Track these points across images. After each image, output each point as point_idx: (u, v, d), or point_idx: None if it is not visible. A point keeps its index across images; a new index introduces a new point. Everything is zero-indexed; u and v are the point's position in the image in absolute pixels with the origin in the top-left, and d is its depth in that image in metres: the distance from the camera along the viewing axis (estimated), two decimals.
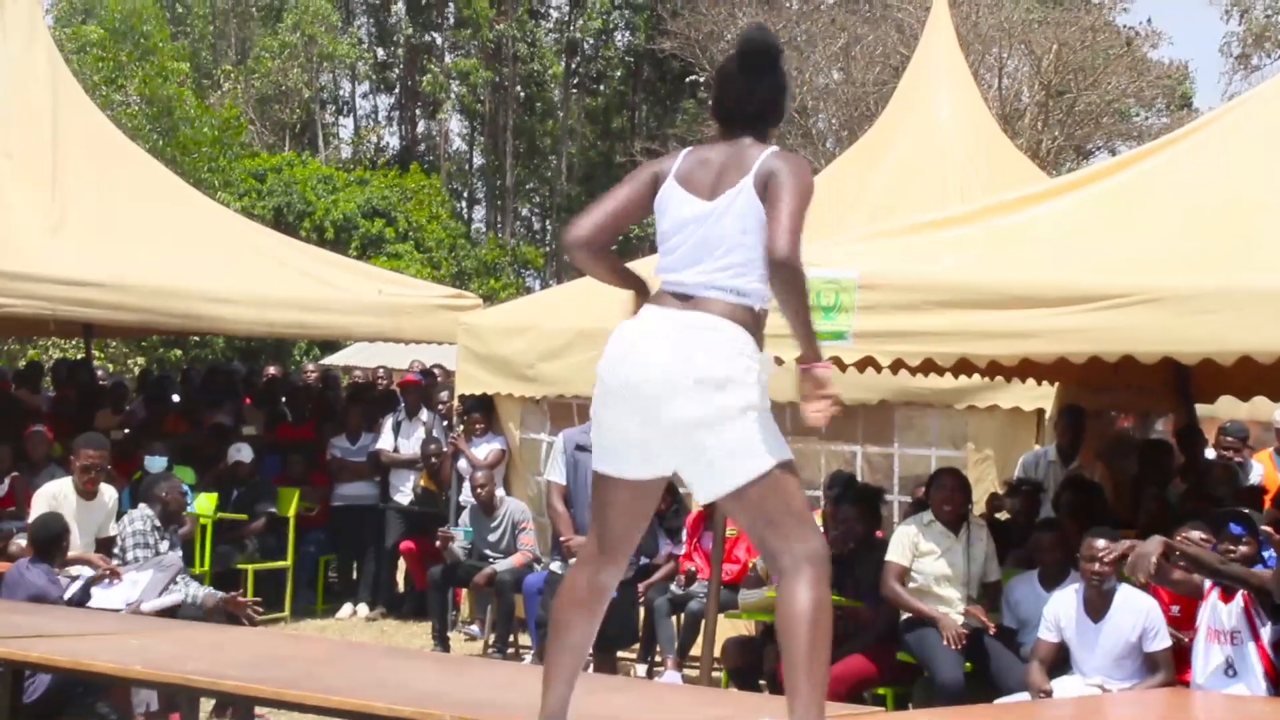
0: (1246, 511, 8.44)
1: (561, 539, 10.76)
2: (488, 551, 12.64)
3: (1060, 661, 8.63)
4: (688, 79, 41.57)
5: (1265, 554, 8.20)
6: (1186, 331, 7.59)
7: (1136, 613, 8.43)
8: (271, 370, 20.71)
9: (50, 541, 9.97)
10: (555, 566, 11.02)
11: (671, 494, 11.33)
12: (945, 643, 9.13)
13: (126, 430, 15.16)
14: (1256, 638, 7.97)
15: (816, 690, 4.76)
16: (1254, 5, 44.23)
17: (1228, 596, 8.06)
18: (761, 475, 4.84)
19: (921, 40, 16.36)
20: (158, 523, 10.60)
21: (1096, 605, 8.51)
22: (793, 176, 4.88)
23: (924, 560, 9.46)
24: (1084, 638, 8.52)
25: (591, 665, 10.82)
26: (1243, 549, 8.10)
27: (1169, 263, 7.94)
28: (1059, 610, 8.67)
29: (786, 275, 4.79)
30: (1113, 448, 12.06)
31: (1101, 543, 8.49)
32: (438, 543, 13.13)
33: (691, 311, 4.86)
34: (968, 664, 9.21)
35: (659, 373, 4.82)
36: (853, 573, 9.86)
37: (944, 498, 9.56)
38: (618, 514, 5.02)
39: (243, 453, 14.74)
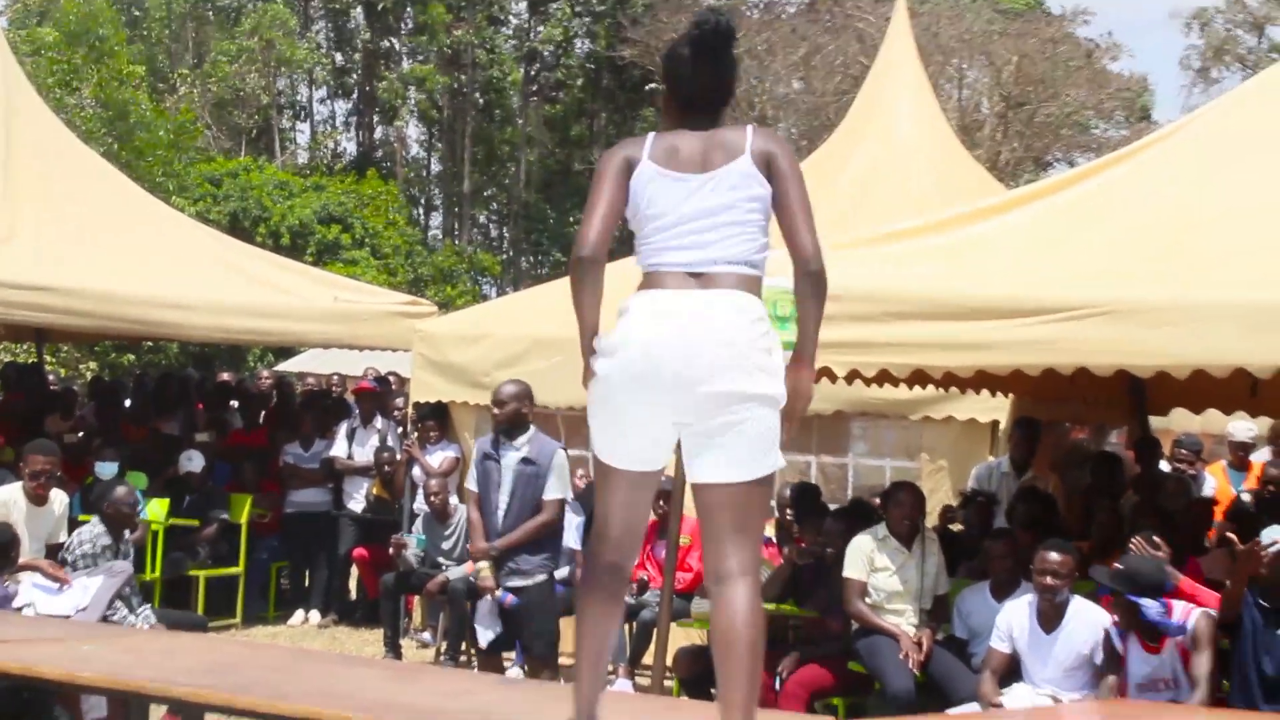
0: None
1: (470, 547, 10.89)
2: (441, 559, 12.64)
3: (1011, 671, 8.67)
4: (647, 87, 41.67)
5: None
6: (1141, 344, 7.64)
7: (1090, 625, 8.48)
8: (224, 376, 20.67)
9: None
10: (453, 574, 11.19)
11: None
12: (903, 658, 9.17)
13: (80, 435, 15.09)
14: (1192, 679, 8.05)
15: (755, 692, 4.78)
16: (1214, 19, 44.58)
17: (1152, 646, 8.09)
18: (764, 476, 4.86)
19: (881, 50, 16.44)
20: (107, 540, 10.53)
21: (1049, 616, 8.56)
22: (793, 167, 4.89)
23: (879, 575, 9.48)
24: (1036, 648, 8.56)
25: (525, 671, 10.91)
26: None
27: (1125, 275, 7.99)
28: (1012, 620, 8.72)
29: (818, 285, 4.85)
30: (1066, 460, 12.14)
31: (1055, 555, 8.54)
32: (391, 550, 13.13)
33: (714, 290, 4.79)
34: (919, 674, 9.25)
35: (699, 353, 4.72)
36: (825, 585, 9.88)
37: (902, 513, 9.58)
38: (621, 506, 4.96)
39: (194, 461, 14.70)
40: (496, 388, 10.68)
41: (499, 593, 10.43)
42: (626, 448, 4.89)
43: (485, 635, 10.84)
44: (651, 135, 4.99)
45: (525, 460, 10.38)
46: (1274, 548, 8.11)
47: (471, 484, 10.78)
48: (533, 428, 10.58)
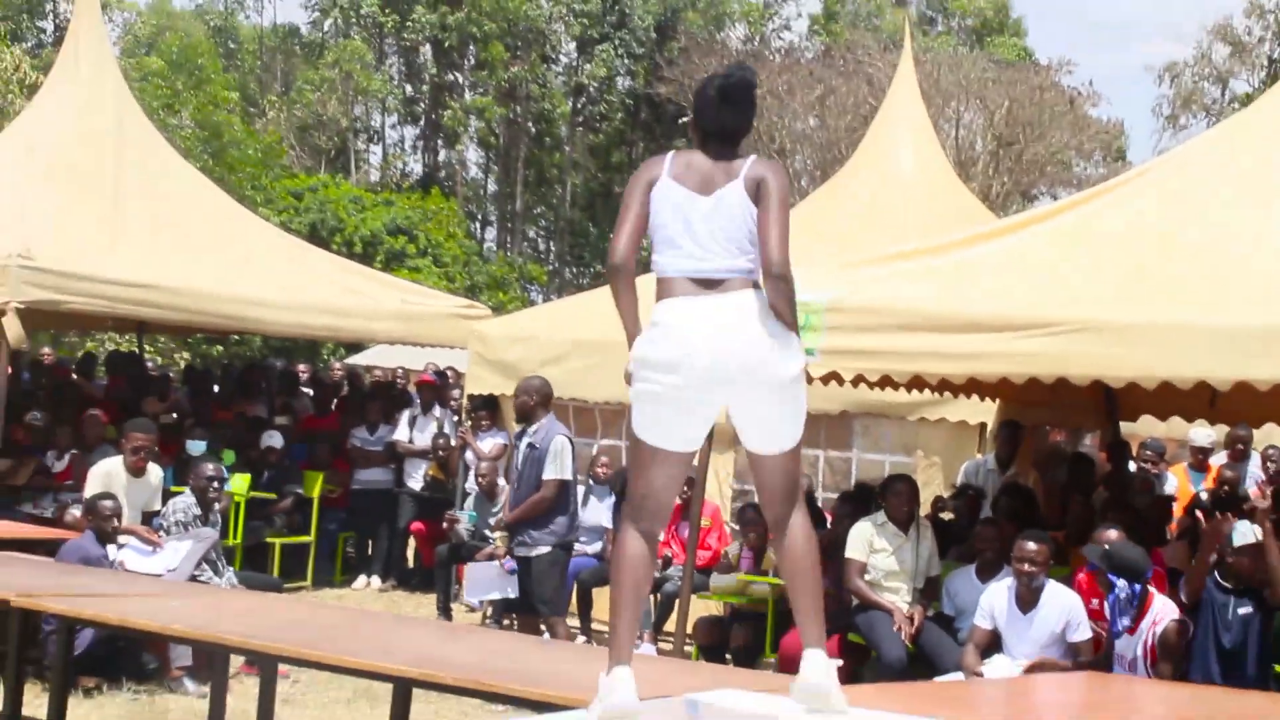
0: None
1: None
2: (488, 533, 12.62)
3: (992, 645, 8.65)
4: (680, 120, 41.60)
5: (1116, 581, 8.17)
6: (1115, 359, 7.63)
7: (1062, 607, 8.46)
8: (301, 367, 20.71)
9: (104, 518, 9.99)
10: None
11: None
12: (896, 630, 9.16)
13: (174, 416, 15.15)
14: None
15: (820, 598, 5.07)
16: (1183, 72, 44.44)
17: (1130, 630, 8.06)
18: (798, 442, 5.04)
19: (888, 93, 16.43)
20: (197, 510, 10.58)
21: (1026, 599, 8.54)
22: (779, 188, 4.95)
23: (877, 556, 9.47)
24: (1014, 627, 8.54)
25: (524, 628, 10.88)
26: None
27: (1101, 297, 7.98)
28: (993, 601, 8.70)
29: (782, 287, 4.88)
30: (1046, 459, 12.09)
31: (1032, 545, 8.53)
32: (445, 525, 13.15)
33: (734, 293, 4.90)
34: (910, 646, 9.24)
35: (752, 346, 4.84)
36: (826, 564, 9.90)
37: (899, 502, 9.58)
38: (665, 481, 5.01)
39: (274, 439, 14.75)
40: (522, 381, 10.69)
41: (505, 560, 10.48)
42: (685, 435, 4.98)
43: (484, 595, 10.98)
44: (672, 154, 5.07)
45: (531, 445, 10.32)
46: (1235, 531, 8.13)
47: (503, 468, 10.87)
48: (549, 417, 10.50)
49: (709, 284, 4.89)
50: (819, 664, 4.90)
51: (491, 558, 10.85)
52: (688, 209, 4.93)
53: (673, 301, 4.92)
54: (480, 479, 12.90)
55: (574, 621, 11.97)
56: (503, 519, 10.63)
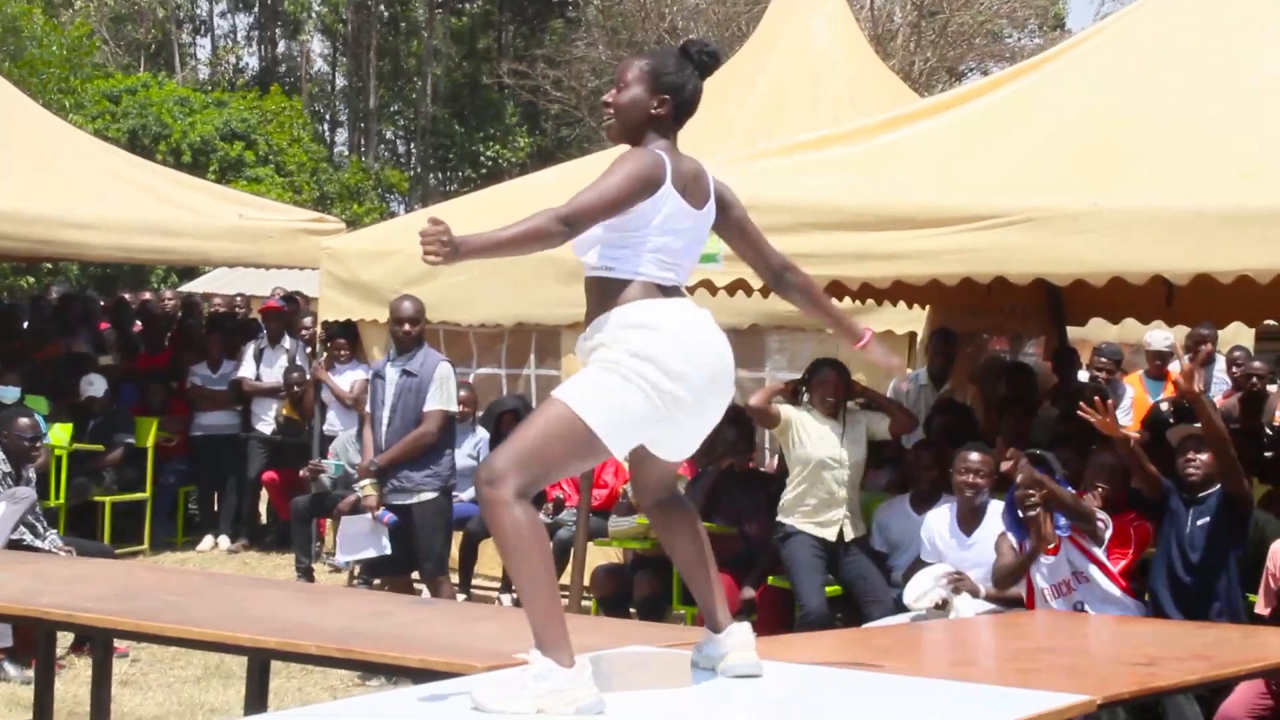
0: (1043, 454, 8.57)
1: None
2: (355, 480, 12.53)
3: None
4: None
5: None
6: (1058, 252, 7.71)
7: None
8: (126, 296, 20.44)
9: None
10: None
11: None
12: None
13: None
14: (1095, 560, 8.12)
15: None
16: None
17: (1052, 550, 8.18)
18: None
19: None
20: (7, 468, 10.38)
21: (968, 519, 8.68)
22: (736, 197, 5.23)
23: (809, 439, 9.48)
24: (956, 551, 8.66)
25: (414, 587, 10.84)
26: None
27: (1041, 183, 8.04)
28: (933, 529, 8.85)
29: (805, 275, 5.37)
30: (984, 371, 12.21)
31: (975, 456, 8.67)
32: (308, 474, 12.98)
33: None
34: (835, 588, 9.32)
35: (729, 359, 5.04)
36: (729, 497, 9.94)
37: (825, 391, 9.57)
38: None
39: (95, 386, 14.46)
40: (396, 304, 10.34)
41: (379, 511, 10.27)
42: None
43: (357, 554, 10.74)
44: (665, 156, 4.93)
45: (406, 373, 10.08)
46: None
47: (366, 404, 10.61)
48: (425, 345, 10.40)
49: (676, 292, 5.00)
50: (748, 640, 5.04)
51: (357, 509, 10.65)
52: (685, 223, 4.96)
53: (677, 301, 4.97)
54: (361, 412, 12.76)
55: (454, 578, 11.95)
56: (371, 462, 10.37)
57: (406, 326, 10.14)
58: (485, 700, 4.46)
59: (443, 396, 10.12)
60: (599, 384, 4.72)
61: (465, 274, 12.17)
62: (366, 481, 10.33)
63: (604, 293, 4.87)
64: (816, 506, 9.40)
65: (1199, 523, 8.11)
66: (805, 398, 9.67)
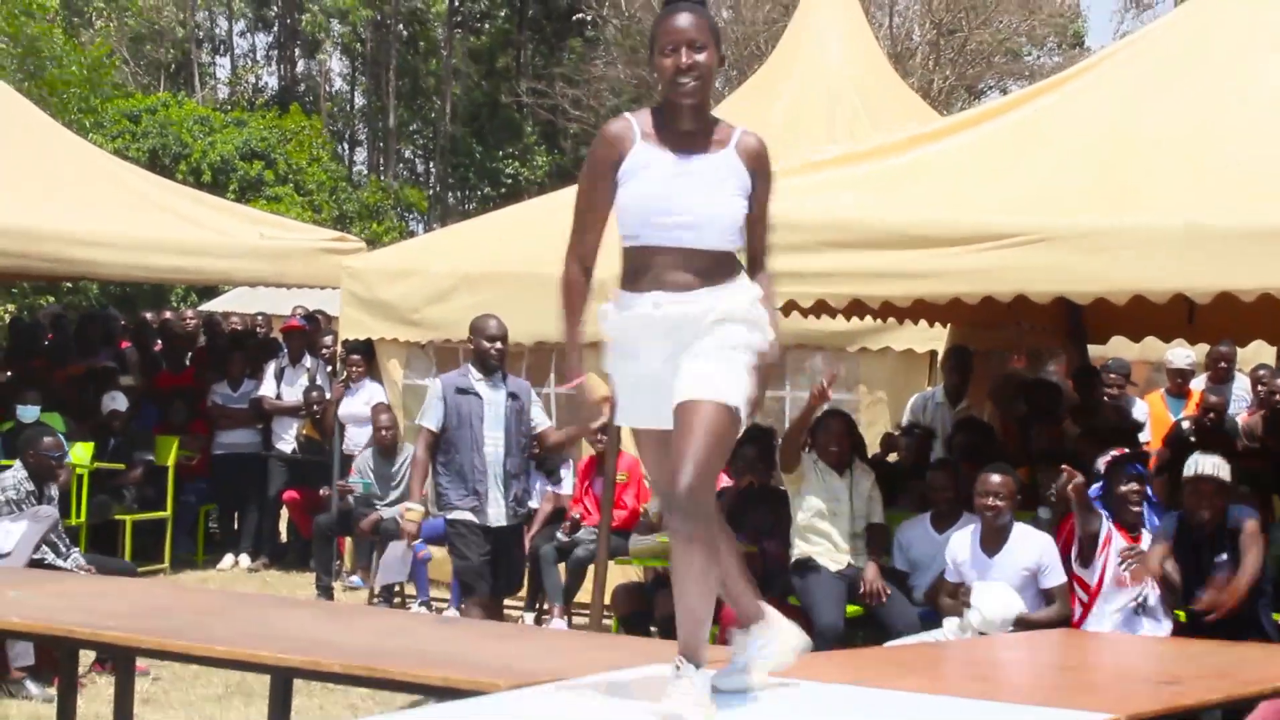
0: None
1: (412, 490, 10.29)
2: (393, 495, 12.51)
3: None
4: (574, 17, 41.40)
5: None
6: (1079, 270, 7.71)
7: (1033, 549, 8.59)
8: (149, 316, 20.48)
9: None
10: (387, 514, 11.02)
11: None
12: (863, 594, 9.24)
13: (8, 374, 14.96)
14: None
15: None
16: None
17: (1134, 537, 8.21)
18: None
19: None
20: (31, 486, 10.40)
21: (992, 540, 8.65)
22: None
23: (810, 495, 9.50)
24: (981, 573, 8.64)
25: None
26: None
27: (1062, 202, 8.04)
28: (956, 551, 8.82)
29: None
30: (1002, 388, 12.19)
31: (996, 478, 8.65)
32: (335, 494, 12.97)
33: None
34: (855, 606, 9.31)
35: None
36: (749, 515, 9.93)
37: (829, 440, 9.62)
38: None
39: (117, 401, 14.53)
40: (482, 322, 10.06)
41: (416, 543, 10.22)
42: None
43: (392, 579, 10.74)
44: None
45: (512, 395, 9.94)
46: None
47: (430, 422, 9.93)
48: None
49: None
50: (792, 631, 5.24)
51: (378, 531, 10.65)
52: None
53: None
54: (381, 432, 12.78)
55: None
56: (422, 494, 10.07)
57: (500, 344, 9.97)
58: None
59: (542, 415, 10.25)
60: (738, 372, 4.80)
61: (485, 294, 12.19)
62: (416, 506, 10.02)
63: (719, 261, 4.91)
64: (821, 553, 9.46)
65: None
66: (808, 451, 9.67)
